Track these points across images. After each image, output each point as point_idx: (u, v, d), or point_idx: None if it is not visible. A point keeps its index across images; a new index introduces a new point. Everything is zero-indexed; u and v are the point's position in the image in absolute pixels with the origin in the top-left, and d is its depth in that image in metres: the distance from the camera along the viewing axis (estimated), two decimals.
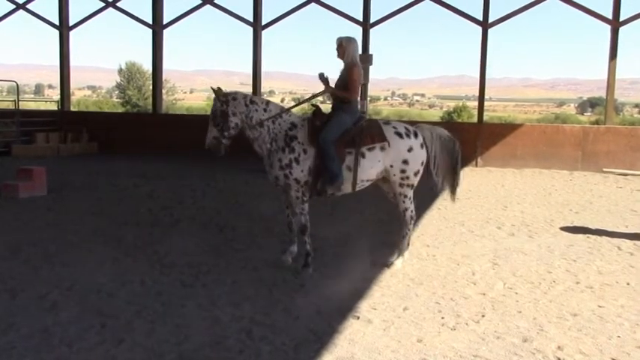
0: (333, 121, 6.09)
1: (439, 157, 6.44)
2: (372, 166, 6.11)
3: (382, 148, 6.10)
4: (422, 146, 6.26)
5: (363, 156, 6.06)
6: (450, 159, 6.50)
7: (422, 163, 6.26)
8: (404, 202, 6.29)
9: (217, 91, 6.10)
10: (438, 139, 6.43)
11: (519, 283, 5.91)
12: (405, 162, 6.14)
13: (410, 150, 6.16)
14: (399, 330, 4.64)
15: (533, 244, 7.60)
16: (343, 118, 6.12)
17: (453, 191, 6.66)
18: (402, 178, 6.19)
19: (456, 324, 4.79)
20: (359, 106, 6.47)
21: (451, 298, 5.41)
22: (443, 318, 4.92)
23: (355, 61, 6.21)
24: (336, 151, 5.95)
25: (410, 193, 6.29)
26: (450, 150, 6.48)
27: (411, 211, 6.35)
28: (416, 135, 6.25)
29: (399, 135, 6.16)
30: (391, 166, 6.15)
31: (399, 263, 6.31)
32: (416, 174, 6.23)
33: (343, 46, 6.21)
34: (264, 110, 6.14)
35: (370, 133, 6.10)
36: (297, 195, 6.08)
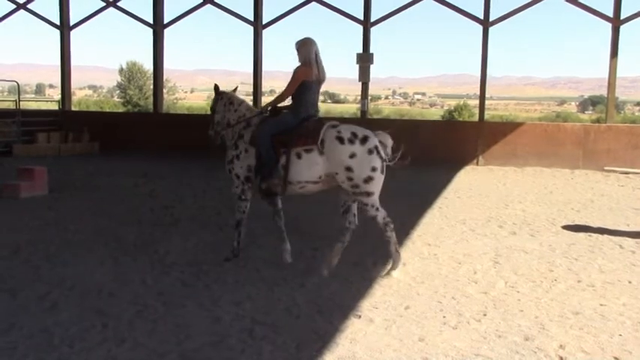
0: (274, 119, 6.21)
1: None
2: (308, 168, 5.90)
3: (320, 152, 5.85)
4: (370, 152, 5.78)
5: (299, 156, 5.91)
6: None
7: (373, 169, 5.76)
8: (368, 210, 5.89)
9: (215, 89, 6.76)
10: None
11: (521, 282, 5.90)
12: (349, 169, 5.74)
13: (352, 156, 5.73)
14: (400, 329, 4.63)
15: (535, 242, 7.59)
16: (284, 117, 6.18)
17: None
18: (352, 187, 5.81)
19: (457, 323, 4.78)
20: (306, 107, 6.19)
21: (453, 297, 5.40)
22: (444, 317, 4.91)
23: (304, 60, 6.15)
24: (273, 149, 5.97)
25: (369, 200, 5.86)
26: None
27: (383, 218, 5.95)
28: (364, 141, 5.79)
29: (340, 140, 5.78)
30: (337, 174, 5.83)
31: (395, 273, 5.95)
32: (366, 181, 5.76)
33: (298, 50, 6.24)
34: (235, 111, 6.51)
35: (308, 133, 5.94)
36: (237, 191, 6.38)
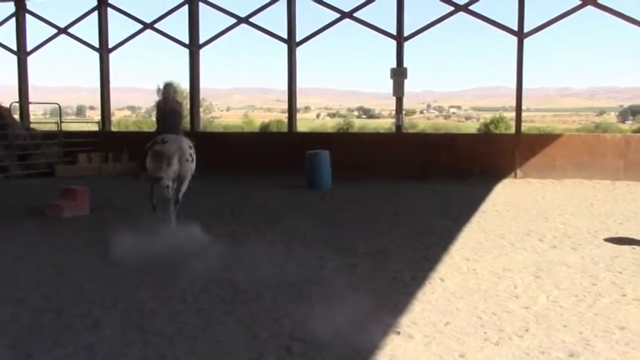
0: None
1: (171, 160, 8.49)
2: (150, 161, 8.61)
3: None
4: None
5: (147, 155, 8.66)
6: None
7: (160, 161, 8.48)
8: (160, 189, 8.72)
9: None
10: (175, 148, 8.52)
11: (563, 297, 5.78)
12: None
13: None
14: (440, 345, 4.58)
15: (577, 256, 7.44)
16: (153, 136, 9.00)
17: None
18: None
19: (499, 339, 4.71)
20: (163, 127, 9.03)
21: (493, 313, 5.32)
22: (485, 333, 4.84)
23: (161, 97, 9.16)
24: (144, 153, 8.80)
25: (161, 182, 8.58)
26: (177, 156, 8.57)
27: (167, 194, 8.68)
28: (163, 143, 8.52)
29: (162, 141, 8.57)
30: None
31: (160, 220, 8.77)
32: (158, 169, 8.54)
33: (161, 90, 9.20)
34: None
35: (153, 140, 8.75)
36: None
